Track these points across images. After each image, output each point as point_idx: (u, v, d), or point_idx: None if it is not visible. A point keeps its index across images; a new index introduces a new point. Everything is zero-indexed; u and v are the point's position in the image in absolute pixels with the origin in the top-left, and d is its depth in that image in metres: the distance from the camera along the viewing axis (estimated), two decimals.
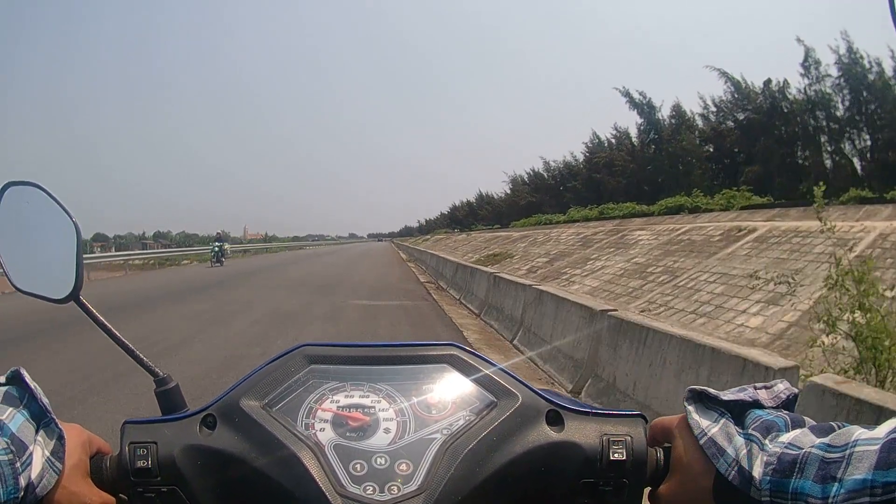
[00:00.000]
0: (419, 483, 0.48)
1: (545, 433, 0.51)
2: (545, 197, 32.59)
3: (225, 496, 0.51)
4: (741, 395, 0.48)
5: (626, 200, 19.37)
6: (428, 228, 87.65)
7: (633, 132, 24.64)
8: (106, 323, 0.60)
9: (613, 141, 26.86)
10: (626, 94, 23.15)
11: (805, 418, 0.45)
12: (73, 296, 0.58)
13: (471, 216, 55.98)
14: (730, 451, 0.44)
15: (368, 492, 0.47)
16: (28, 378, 0.48)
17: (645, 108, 23.10)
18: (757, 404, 0.47)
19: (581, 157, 29.41)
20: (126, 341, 0.60)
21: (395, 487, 0.47)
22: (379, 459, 0.49)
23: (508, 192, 42.51)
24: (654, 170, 22.14)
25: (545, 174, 34.13)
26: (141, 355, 0.61)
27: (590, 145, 28.65)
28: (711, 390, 0.49)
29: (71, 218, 0.58)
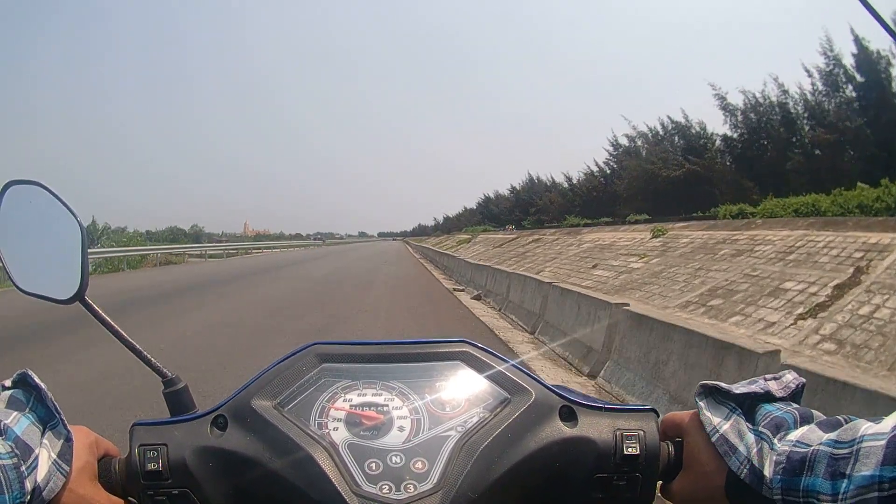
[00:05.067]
0: (435, 481, 0.47)
1: (559, 429, 0.52)
2: (701, 170, 16.32)
3: (238, 498, 0.50)
4: (752, 388, 0.48)
5: None
6: (448, 227, 71.78)
7: None
8: (112, 323, 0.58)
9: None
10: None
11: (813, 412, 0.46)
12: (79, 296, 0.56)
13: (517, 209, 39.33)
14: (741, 449, 0.45)
15: (384, 491, 0.47)
16: (36, 379, 0.48)
17: None
18: (768, 396, 0.48)
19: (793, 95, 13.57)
20: (133, 342, 0.59)
21: (412, 486, 0.47)
22: (394, 458, 0.49)
23: (593, 170, 26.43)
24: None
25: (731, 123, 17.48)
26: (149, 356, 0.59)
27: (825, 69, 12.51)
28: (723, 385, 0.49)
29: (75, 217, 0.57)
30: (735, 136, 16.77)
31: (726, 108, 16.75)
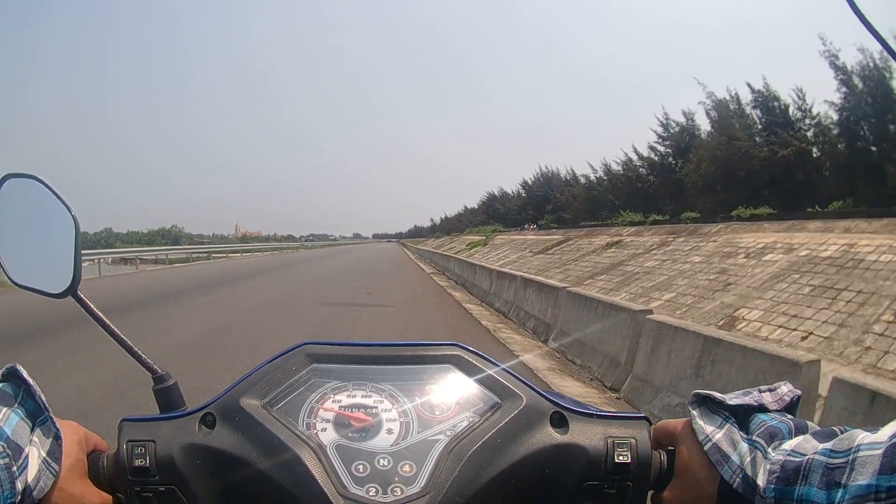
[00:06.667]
0: (422, 485, 0.47)
1: (549, 435, 0.51)
2: (808, 150, 12.48)
3: (225, 496, 0.50)
4: (746, 399, 0.48)
5: None
6: (447, 228, 67.53)
7: None
8: (104, 318, 0.58)
9: None
10: None
11: (808, 423, 0.45)
12: (71, 290, 0.56)
13: (529, 207, 35.27)
14: (734, 457, 0.44)
15: (371, 493, 0.46)
16: (25, 374, 0.47)
17: None
18: (762, 408, 0.47)
19: None
20: (124, 337, 0.58)
21: (399, 489, 0.47)
22: (382, 460, 0.48)
23: (632, 158, 22.37)
24: None
25: None
26: (139, 352, 0.59)
27: None
28: (717, 394, 0.48)
29: (70, 212, 0.57)
30: (849, 105, 12.76)
31: (839, 68, 12.74)
